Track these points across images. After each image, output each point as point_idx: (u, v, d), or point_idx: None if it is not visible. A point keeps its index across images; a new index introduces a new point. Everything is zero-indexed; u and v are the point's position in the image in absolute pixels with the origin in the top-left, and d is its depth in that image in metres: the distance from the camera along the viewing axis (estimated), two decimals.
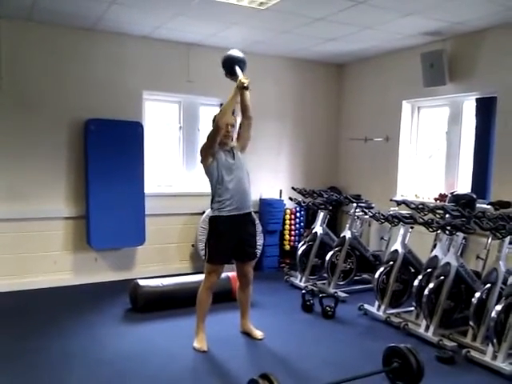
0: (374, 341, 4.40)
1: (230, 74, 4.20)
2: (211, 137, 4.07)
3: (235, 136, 4.33)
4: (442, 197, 6.00)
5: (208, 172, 4.16)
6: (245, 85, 4.02)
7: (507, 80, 5.31)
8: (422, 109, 6.69)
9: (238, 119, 4.39)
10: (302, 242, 6.29)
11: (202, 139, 6.71)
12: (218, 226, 4.13)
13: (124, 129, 6.06)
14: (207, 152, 4.11)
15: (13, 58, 5.61)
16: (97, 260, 6.17)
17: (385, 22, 5.32)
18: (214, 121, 4.20)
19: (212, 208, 4.19)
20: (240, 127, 4.36)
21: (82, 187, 5.97)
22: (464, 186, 5.96)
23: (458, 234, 4.51)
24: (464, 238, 4.80)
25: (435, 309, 4.42)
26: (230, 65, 4.19)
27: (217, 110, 6.61)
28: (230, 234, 4.13)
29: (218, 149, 4.12)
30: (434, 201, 6.07)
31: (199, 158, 4.23)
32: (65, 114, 5.89)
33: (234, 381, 3.65)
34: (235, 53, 4.25)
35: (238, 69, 4.14)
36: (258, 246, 4.89)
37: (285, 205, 7.13)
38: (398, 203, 5.48)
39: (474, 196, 5.25)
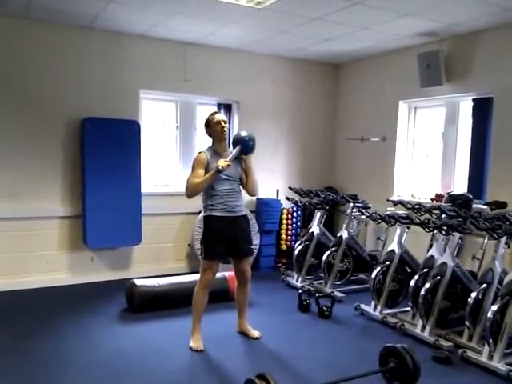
0: (371, 341, 4.40)
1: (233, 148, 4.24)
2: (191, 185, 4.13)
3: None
4: (439, 197, 6.01)
5: None
6: (219, 167, 3.99)
7: (504, 80, 5.33)
8: (418, 109, 6.70)
9: (236, 118, 4.39)
10: (299, 242, 6.29)
11: (198, 138, 6.73)
12: (212, 223, 4.15)
13: (121, 128, 6.04)
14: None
15: (9, 56, 5.59)
16: (93, 259, 6.15)
17: (381, 22, 5.32)
18: (206, 126, 4.29)
19: (204, 208, 4.23)
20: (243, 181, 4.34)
21: (79, 186, 5.95)
22: (460, 186, 5.97)
23: (454, 234, 4.51)
24: (460, 238, 4.80)
25: (431, 309, 4.43)
26: (235, 142, 4.23)
27: (214, 109, 6.69)
28: (224, 230, 4.15)
29: (211, 160, 4.14)
30: (430, 201, 6.08)
31: (195, 157, 4.26)
32: (61, 113, 5.87)
33: (230, 381, 3.65)
34: (243, 134, 4.26)
35: (236, 149, 4.15)
36: (254, 243, 4.89)
37: (281, 204, 7.13)
38: (395, 203, 5.48)
39: (471, 196, 5.26)
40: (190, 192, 4.13)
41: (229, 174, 4.13)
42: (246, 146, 4.17)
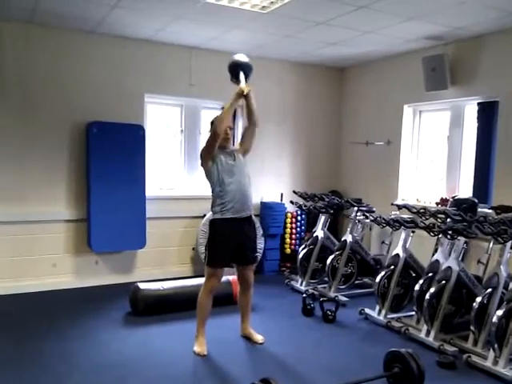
0: (375, 345, 4.38)
1: (235, 78, 4.19)
2: (210, 141, 4.10)
3: (239, 139, 4.33)
4: (444, 201, 5.99)
5: (208, 175, 4.18)
6: (244, 93, 4.01)
7: (509, 84, 5.31)
8: (423, 113, 6.68)
9: (241, 123, 4.40)
10: (303, 246, 6.28)
11: (203, 142, 6.72)
12: (218, 229, 4.13)
13: (126, 132, 6.06)
14: (207, 156, 4.14)
15: (15, 60, 5.62)
16: (97, 263, 6.16)
17: (386, 26, 5.32)
18: (212, 124, 4.23)
19: (213, 211, 4.19)
20: (244, 131, 4.38)
21: (83, 190, 5.97)
22: (465, 190, 5.95)
23: (459, 238, 4.49)
24: (465, 242, 4.80)
25: (436, 313, 4.41)
26: (235, 69, 4.18)
27: (218, 113, 6.70)
28: (230, 238, 4.13)
29: (217, 152, 4.13)
30: (435, 205, 6.07)
31: (200, 161, 4.25)
32: (66, 117, 5.90)
33: None
34: (240, 58, 4.23)
35: (241, 75, 4.13)
36: (258, 250, 4.88)
37: (286, 208, 7.12)
38: (400, 207, 5.47)
39: (476, 200, 5.24)
40: (219, 125, 4.03)
41: (236, 166, 4.14)
42: (248, 67, 4.15)
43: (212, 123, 4.23)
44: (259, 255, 6.10)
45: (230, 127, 4.23)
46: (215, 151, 4.12)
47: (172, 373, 3.78)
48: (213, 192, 4.18)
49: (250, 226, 4.27)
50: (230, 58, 4.25)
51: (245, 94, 4.03)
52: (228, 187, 4.09)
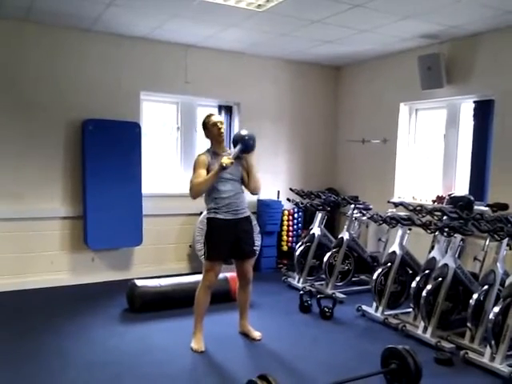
0: (372, 342, 4.39)
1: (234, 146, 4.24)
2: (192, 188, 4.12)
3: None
4: (440, 199, 6.01)
5: None
6: (223, 164, 3.98)
7: (505, 83, 5.33)
8: (419, 111, 6.70)
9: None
10: (300, 243, 6.29)
11: (199, 140, 6.72)
12: (215, 225, 4.15)
13: (121, 129, 6.05)
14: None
15: (10, 58, 5.60)
16: (94, 260, 6.15)
17: (382, 24, 5.32)
18: (204, 126, 4.29)
19: (208, 210, 4.22)
20: (246, 181, 4.29)
21: (80, 187, 5.96)
22: (462, 188, 5.98)
23: (455, 235, 4.51)
24: (462, 239, 4.81)
25: (433, 310, 4.43)
26: (235, 141, 4.23)
27: (214, 111, 6.72)
28: (227, 232, 4.14)
29: (211, 160, 4.15)
30: (431, 203, 6.08)
31: (195, 159, 4.26)
32: (62, 115, 5.88)
33: (232, 382, 3.65)
34: (243, 133, 4.24)
35: (237, 148, 4.14)
36: (256, 245, 4.89)
37: (283, 206, 7.13)
38: (396, 205, 5.49)
39: (472, 198, 5.28)
40: (195, 192, 4.12)
41: (231, 173, 4.13)
42: (246, 145, 4.15)
43: (204, 127, 4.29)
44: (257, 250, 6.10)
45: (221, 122, 4.26)
46: (209, 162, 4.14)
47: (169, 369, 3.78)
48: (207, 195, 4.20)
49: (246, 222, 4.28)
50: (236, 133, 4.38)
51: (223, 165, 3.97)
52: (222, 195, 4.13)
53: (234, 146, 4.21)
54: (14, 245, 5.71)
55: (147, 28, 5.77)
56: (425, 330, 4.45)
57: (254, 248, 4.51)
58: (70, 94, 5.91)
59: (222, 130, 4.26)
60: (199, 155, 4.25)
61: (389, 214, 5.18)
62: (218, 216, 4.13)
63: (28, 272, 5.78)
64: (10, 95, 5.63)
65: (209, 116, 4.33)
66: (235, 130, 6.97)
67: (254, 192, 4.34)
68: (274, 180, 7.25)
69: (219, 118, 4.38)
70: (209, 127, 4.25)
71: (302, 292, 5.37)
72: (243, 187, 4.30)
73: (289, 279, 6.30)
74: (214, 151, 4.23)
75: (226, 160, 3.98)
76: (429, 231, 4.70)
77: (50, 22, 5.62)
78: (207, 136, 4.32)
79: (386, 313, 4.96)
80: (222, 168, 3.99)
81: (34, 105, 5.75)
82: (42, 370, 3.72)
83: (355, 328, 4.86)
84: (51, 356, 3.97)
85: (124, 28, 5.80)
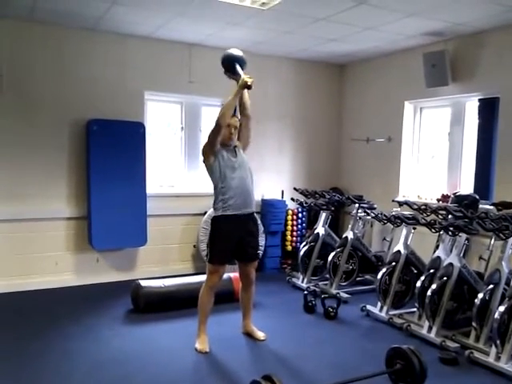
0: (377, 342, 4.38)
1: (231, 72, 4.18)
2: (212, 136, 4.07)
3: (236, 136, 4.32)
4: (445, 197, 5.98)
5: (210, 171, 4.15)
6: (248, 83, 3.98)
7: (510, 80, 5.30)
8: (424, 109, 6.67)
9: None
10: (304, 243, 6.28)
11: (204, 139, 6.71)
12: (220, 226, 4.12)
13: (126, 129, 6.05)
14: (209, 151, 4.11)
15: (14, 58, 5.61)
16: (98, 260, 6.16)
17: (387, 22, 5.30)
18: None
19: (215, 208, 4.17)
20: (240, 126, 4.30)
21: (84, 187, 5.97)
22: (467, 186, 5.94)
23: (460, 234, 4.49)
24: (467, 238, 4.79)
25: (438, 310, 4.41)
26: (231, 63, 4.17)
27: (218, 110, 6.69)
28: (231, 234, 4.12)
29: (220, 148, 4.11)
30: (436, 202, 6.06)
31: (201, 157, 4.23)
32: (66, 115, 5.89)
33: (236, 382, 3.64)
34: (235, 51, 4.22)
35: (238, 67, 4.12)
36: (260, 247, 4.87)
37: (287, 205, 7.11)
38: (401, 204, 5.47)
39: (477, 197, 5.25)
40: (221, 118, 3.99)
41: (238, 162, 4.13)
42: (242, 61, 4.14)
43: (217, 120, 4.21)
44: (261, 252, 6.08)
45: (234, 126, 4.15)
46: (218, 147, 4.10)
47: (174, 370, 3.78)
48: (215, 188, 4.16)
49: (251, 222, 4.26)
50: (223, 53, 4.24)
51: (249, 84, 3.98)
52: (230, 183, 4.07)
53: (226, 69, 4.17)
54: (18, 246, 5.73)
55: (151, 27, 5.77)
56: (430, 329, 4.43)
57: (258, 252, 4.49)
58: (74, 94, 5.92)
59: (233, 136, 4.17)
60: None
61: (393, 213, 5.15)
62: (225, 212, 4.07)
63: (33, 273, 5.80)
64: (14, 95, 5.64)
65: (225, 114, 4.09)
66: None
67: (249, 115, 4.25)
68: (278, 179, 7.25)
69: (235, 121, 4.19)
70: (222, 125, 4.05)
71: (306, 292, 5.35)
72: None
73: (293, 279, 6.29)
74: (222, 143, 4.16)
75: (248, 78, 3.97)
76: (433, 230, 4.67)
77: (54, 22, 5.62)
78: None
79: (390, 312, 4.94)
80: (246, 86, 3.98)
81: (38, 105, 5.76)
82: (48, 371, 3.72)
83: (360, 328, 4.85)
84: (56, 357, 3.98)
85: (128, 27, 5.80)
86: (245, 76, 4.02)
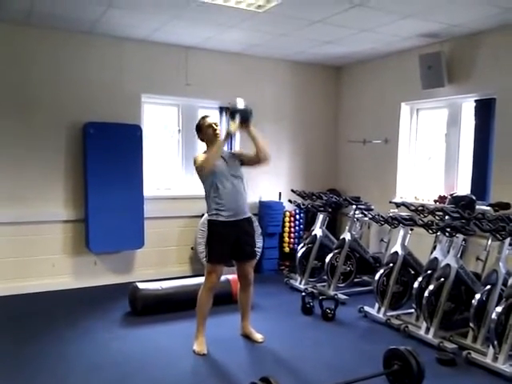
0: (374, 343, 4.38)
1: (232, 119, 4.20)
2: (201, 166, 4.09)
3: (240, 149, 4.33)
4: (442, 199, 5.99)
5: (202, 179, 4.20)
6: (231, 130, 4.10)
7: (506, 81, 5.31)
8: (420, 111, 6.68)
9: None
10: (302, 245, 6.28)
11: (200, 142, 6.69)
12: (216, 228, 4.14)
13: (123, 132, 6.05)
14: (205, 170, 4.10)
15: (11, 61, 5.61)
16: (96, 263, 6.15)
17: (382, 24, 5.31)
18: (197, 130, 4.29)
19: (209, 215, 4.20)
20: (252, 156, 4.26)
21: (81, 190, 5.96)
22: (463, 187, 5.96)
23: (457, 235, 4.49)
24: (464, 239, 4.79)
25: (435, 311, 4.41)
26: (233, 113, 4.18)
27: (215, 113, 6.72)
28: (228, 234, 4.14)
29: None
30: (433, 203, 6.06)
31: (196, 156, 4.27)
32: (63, 118, 5.89)
33: None
34: (240, 103, 4.20)
35: (237, 117, 4.13)
36: (257, 246, 4.88)
37: (284, 207, 7.12)
38: (398, 205, 5.47)
39: (474, 198, 5.26)
40: (205, 163, 4.03)
41: (230, 170, 4.14)
42: (245, 112, 4.13)
43: (198, 130, 4.29)
44: (258, 253, 6.09)
45: (216, 124, 4.24)
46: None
47: (171, 372, 3.78)
48: (207, 196, 4.19)
49: (247, 224, 4.27)
50: (231, 103, 4.26)
51: (231, 130, 4.10)
52: (222, 193, 4.10)
53: (232, 119, 4.17)
54: (15, 248, 5.72)
55: (147, 30, 5.77)
56: (427, 330, 4.44)
57: (256, 249, 4.50)
58: (71, 96, 5.92)
59: (218, 132, 4.22)
60: (198, 155, 4.26)
61: (391, 214, 5.16)
62: (219, 218, 4.11)
63: (30, 276, 5.79)
64: (11, 98, 5.64)
65: (203, 118, 4.31)
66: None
67: (265, 158, 4.23)
68: (276, 181, 7.25)
69: (214, 119, 4.34)
70: (204, 129, 4.23)
71: (303, 293, 5.35)
72: (245, 186, 4.28)
73: (291, 281, 6.28)
74: (211, 141, 4.19)
75: (232, 126, 4.05)
76: (431, 231, 4.68)
77: (51, 26, 5.62)
78: (202, 139, 4.30)
79: (388, 313, 4.94)
80: (229, 134, 4.08)
81: (35, 108, 5.76)
82: (45, 374, 3.71)
83: (357, 329, 4.85)
84: (54, 360, 3.97)
85: (124, 30, 5.81)
86: (232, 125, 4.08)
